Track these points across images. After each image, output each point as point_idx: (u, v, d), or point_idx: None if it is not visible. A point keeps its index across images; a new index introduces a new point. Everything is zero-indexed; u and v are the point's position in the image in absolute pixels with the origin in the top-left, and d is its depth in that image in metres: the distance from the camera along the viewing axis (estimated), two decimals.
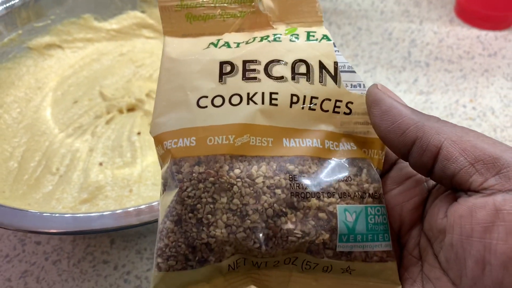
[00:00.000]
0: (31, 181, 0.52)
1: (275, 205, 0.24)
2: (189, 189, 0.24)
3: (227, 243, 0.24)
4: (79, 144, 0.56)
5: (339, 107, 0.26)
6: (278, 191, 0.24)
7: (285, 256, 0.24)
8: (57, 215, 0.39)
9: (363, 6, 0.85)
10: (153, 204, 0.39)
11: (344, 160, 0.26)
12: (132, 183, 0.52)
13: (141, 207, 0.39)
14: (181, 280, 0.24)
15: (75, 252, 0.53)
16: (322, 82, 0.26)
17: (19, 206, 0.49)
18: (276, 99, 0.25)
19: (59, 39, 0.67)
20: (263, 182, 0.24)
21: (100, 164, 0.54)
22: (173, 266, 0.24)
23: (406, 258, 0.25)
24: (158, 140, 0.26)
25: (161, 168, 0.26)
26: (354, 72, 0.27)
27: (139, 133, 0.56)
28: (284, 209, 0.24)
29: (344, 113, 0.26)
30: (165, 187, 0.26)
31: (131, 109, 0.60)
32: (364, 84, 0.27)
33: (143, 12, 0.70)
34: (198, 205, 0.24)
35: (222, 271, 0.24)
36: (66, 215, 0.38)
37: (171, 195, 0.24)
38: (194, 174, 0.24)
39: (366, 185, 0.25)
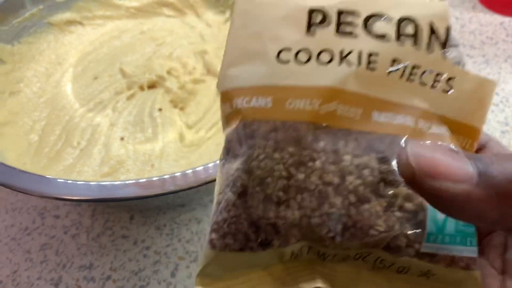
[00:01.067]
0: (52, 154, 0.52)
1: (360, 188, 0.20)
2: (261, 157, 0.20)
3: (297, 227, 0.20)
4: (100, 118, 0.55)
5: (438, 81, 0.22)
6: (366, 172, 0.20)
7: (359, 250, 0.21)
8: (82, 182, 0.38)
9: None
10: (176, 174, 0.39)
11: None
12: (154, 158, 0.52)
13: (165, 177, 0.38)
14: (236, 263, 0.21)
15: (94, 227, 0.53)
16: (429, 49, 0.21)
17: None
18: (375, 61, 0.21)
19: (79, 15, 0.66)
20: (351, 160, 0.20)
21: (122, 138, 0.53)
22: (230, 245, 0.21)
23: (483, 268, 0.22)
24: (227, 97, 0.22)
25: (223, 130, 0.23)
26: (458, 45, 0.22)
27: (160, 110, 0.56)
28: (368, 195, 0.20)
29: (443, 90, 0.22)
30: (228, 152, 0.22)
31: (151, 86, 0.60)
32: (464, 63, 0.23)
33: None
34: (269, 179, 0.20)
35: (284, 258, 0.21)
36: (91, 183, 0.38)
37: (236, 163, 0.21)
38: (270, 142, 0.20)
39: None
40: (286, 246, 0.21)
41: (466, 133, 0.22)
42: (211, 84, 0.61)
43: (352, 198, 0.20)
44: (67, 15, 0.66)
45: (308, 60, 0.21)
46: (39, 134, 0.55)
